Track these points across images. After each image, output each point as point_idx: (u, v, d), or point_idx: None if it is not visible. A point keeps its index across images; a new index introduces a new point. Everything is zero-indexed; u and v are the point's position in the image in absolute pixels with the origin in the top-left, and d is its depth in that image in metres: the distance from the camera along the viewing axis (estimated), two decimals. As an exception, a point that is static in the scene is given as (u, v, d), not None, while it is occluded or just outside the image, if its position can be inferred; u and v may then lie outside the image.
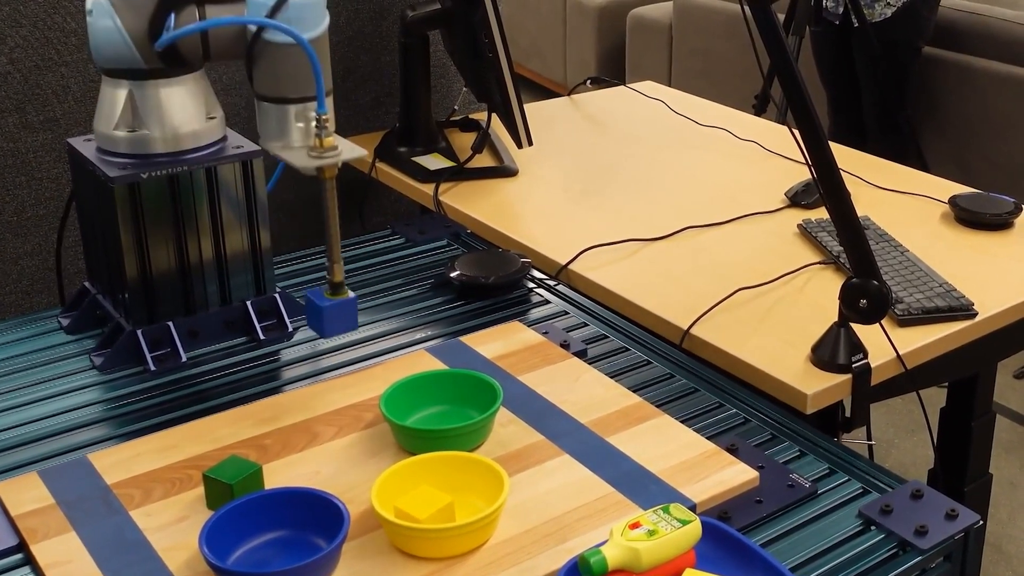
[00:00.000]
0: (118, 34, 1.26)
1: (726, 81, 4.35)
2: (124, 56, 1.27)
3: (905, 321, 1.59)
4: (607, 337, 1.48)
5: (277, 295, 1.49)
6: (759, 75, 3.88)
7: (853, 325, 1.48)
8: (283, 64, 1.25)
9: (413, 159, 2.20)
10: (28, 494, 1.14)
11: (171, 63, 1.29)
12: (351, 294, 1.23)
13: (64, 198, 1.97)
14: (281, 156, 1.23)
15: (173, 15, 1.25)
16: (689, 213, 1.96)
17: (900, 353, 1.51)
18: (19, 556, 1.08)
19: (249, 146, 1.42)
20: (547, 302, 1.58)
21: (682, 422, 1.26)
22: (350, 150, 1.22)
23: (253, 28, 1.24)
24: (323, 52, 1.26)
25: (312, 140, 1.21)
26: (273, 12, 1.22)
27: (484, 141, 2.17)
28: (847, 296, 1.44)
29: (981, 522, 1.12)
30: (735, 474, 1.16)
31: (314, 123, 1.21)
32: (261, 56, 1.26)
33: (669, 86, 2.77)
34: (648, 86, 2.68)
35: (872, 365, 1.48)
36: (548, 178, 2.13)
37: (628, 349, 1.45)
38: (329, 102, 1.25)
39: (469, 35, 2.03)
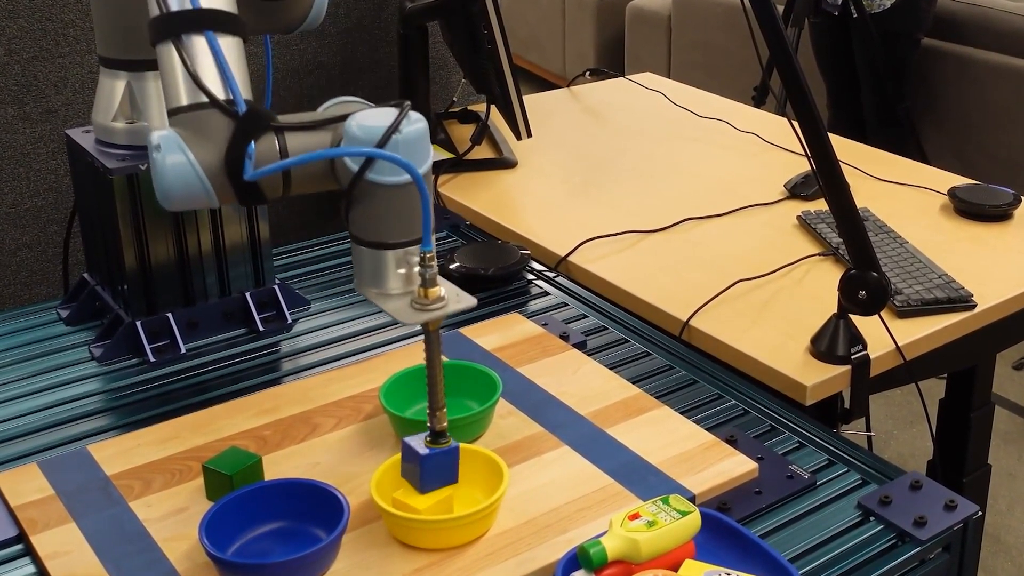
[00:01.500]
0: (191, 170, 1.09)
1: (725, 73, 4.35)
2: (196, 195, 1.10)
3: (904, 312, 1.59)
4: (606, 329, 1.48)
5: (276, 286, 1.49)
6: (758, 67, 3.87)
7: (852, 316, 1.48)
8: (386, 206, 1.09)
9: (412, 151, 2.19)
10: (28, 485, 1.14)
11: (248, 199, 1.14)
12: (453, 442, 1.08)
13: (62, 189, 1.96)
14: (379, 304, 1.10)
15: (254, 143, 1.10)
16: (688, 205, 1.96)
17: (899, 344, 1.51)
18: (19, 547, 1.08)
19: (248, 137, 1.42)
20: (546, 294, 1.58)
21: (681, 413, 1.26)
22: (457, 300, 1.06)
23: (354, 167, 1.08)
24: (428, 190, 1.10)
25: (414, 287, 1.07)
26: (381, 145, 1.08)
27: (483, 133, 2.17)
28: (846, 288, 1.44)
29: (980, 513, 1.12)
30: (734, 465, 1.16)
31: (416, 268, 1.07)
32: (362, 197, 1.09)
33: (668, 78, 2.76)
34: (647, 78, 2.67)
35: (871, 356, 1.48)
36: (547, 170, 2.13)
37: (627, 341, 1.45)
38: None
39: (468, 27, 2.02)
